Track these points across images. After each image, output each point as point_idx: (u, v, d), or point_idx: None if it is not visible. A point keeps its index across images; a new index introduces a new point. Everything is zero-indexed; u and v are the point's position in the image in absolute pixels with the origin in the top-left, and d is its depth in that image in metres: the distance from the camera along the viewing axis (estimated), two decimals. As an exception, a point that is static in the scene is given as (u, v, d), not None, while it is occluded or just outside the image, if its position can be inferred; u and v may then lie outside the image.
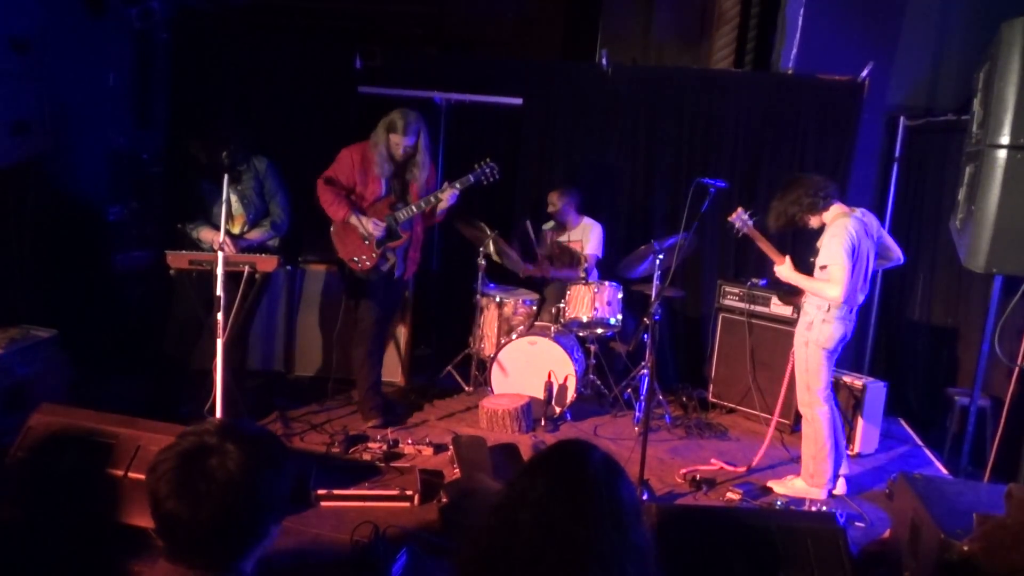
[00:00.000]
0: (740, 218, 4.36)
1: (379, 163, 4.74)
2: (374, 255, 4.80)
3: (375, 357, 5.08)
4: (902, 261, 4.43)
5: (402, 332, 5.80)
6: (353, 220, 4.74)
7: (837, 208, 4.20)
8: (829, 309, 4.13)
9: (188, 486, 1.55)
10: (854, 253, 4.01)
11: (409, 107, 4.87)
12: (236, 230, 4.62)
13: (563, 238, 6.05)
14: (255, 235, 4.66)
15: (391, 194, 4.85)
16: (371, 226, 4.74)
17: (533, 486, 1.68)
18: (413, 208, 4.78)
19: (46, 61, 4.56)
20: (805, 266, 4.29)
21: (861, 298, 4.18)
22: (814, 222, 4.25)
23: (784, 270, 4.29)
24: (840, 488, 4.36)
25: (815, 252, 4.23)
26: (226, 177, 4.02)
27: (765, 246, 4.35)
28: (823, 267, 4.06)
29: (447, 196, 4.76)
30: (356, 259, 4.82)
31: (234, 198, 4.59)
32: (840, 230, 4.04)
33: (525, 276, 6.01)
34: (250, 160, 4.67)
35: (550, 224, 6.11)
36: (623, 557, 1.63)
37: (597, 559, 1.60)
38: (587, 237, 5.99)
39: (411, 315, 5.82)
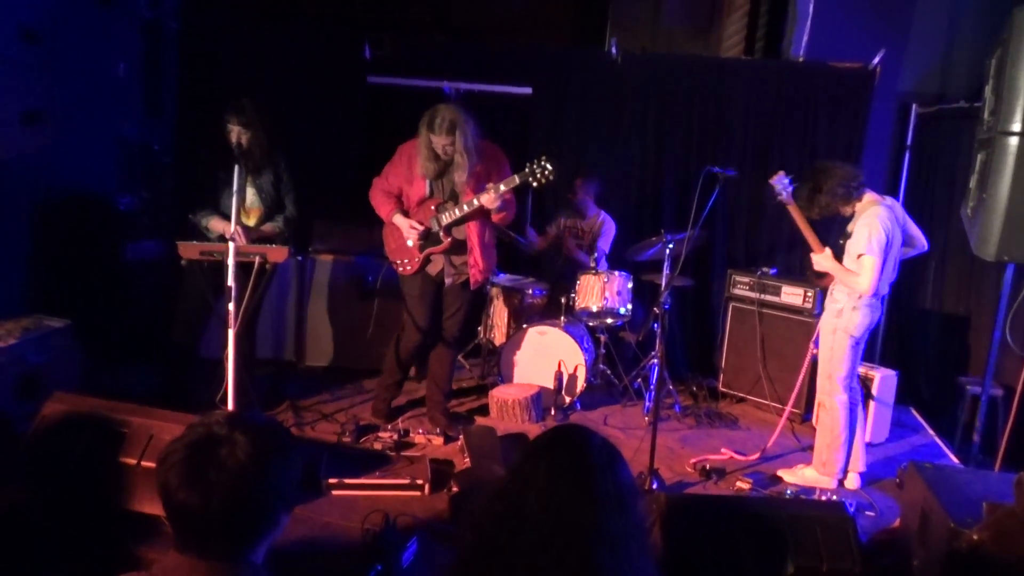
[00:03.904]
0: (780, 181, 4.22)
1: (421, 162, 4.41)
2: (416, 259, 4.58)
3: (403, 362, 4.81)
4: (926, 249, 4.38)
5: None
6: (396, 220, 4.55)
7: (869, 196, 4.16)
8: (860, 296, 4.12)
9: (198, 476, 1.55)
10: (887, 244, 4.00)
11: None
12: (251, 223, 4.58)
13: (575, 225, 6.06)
14: (268, 228, 4.63)
15: (437, 195, 4.52)
16: (407, 228, 4.51)
17: (537, 472, 1.69)
18: (456, 211, 4.44)
19: (56, 51, 4.58)
20: (834, 249, 4.25)
21: (886, 288, 4.17)
22: (847, 210, 4.20)
23: (824, 260, 4.19)
24: (852, 483, 4.34)
25: (844, 234, 4.19)
26: (238, 167, 3.96)
27: (805, 228, 4.22)
28: (859, 255, 4.03)
29: (487, 199, 4.31)
30: (399, 262, 4.64)
31: (251, 191, 4.57)
32: (874, 220, 4.01)
33: (539, 248, 6.09)
34: (275, 155, 4.61)
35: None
36: (627, 538, 1.65)
37: (605, 542, 1.62)
38: (599, 231, 5.99)
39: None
